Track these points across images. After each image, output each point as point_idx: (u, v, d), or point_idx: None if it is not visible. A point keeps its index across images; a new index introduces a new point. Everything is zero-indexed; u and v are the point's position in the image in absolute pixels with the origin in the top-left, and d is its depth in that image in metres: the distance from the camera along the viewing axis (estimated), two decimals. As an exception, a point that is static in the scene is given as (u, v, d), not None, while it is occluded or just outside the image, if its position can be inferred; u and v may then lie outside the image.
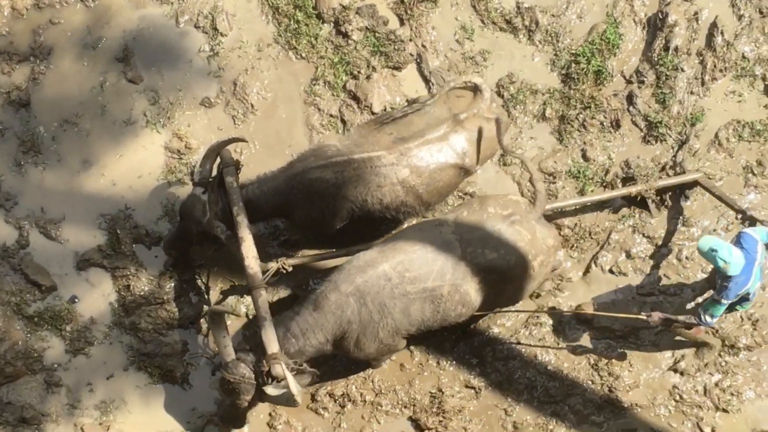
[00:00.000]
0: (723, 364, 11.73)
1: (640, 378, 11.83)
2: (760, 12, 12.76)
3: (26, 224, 12.35)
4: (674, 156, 12.29)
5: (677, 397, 11.73)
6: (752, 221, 11.26)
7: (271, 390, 10.53)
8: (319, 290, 10.96)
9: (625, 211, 12.36)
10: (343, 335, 10.88)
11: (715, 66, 12.61)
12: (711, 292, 11.35)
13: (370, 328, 10.85)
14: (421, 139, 11.24)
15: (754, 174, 12.35)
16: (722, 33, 12.65)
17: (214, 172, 11.67)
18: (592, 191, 12.38)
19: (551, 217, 12.08)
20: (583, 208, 12.38)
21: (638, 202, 12.18)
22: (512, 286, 11.12)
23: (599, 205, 12.33)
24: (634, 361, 11.85)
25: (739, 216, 11.56)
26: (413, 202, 11.45)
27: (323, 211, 11.47)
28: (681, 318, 11.06)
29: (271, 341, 10.60)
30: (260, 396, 10.81)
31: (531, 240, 10.89)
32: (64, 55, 12.96)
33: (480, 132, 11.45)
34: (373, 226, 11.92)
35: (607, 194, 12.17)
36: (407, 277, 10.71)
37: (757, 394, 11.74)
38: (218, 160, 11.71)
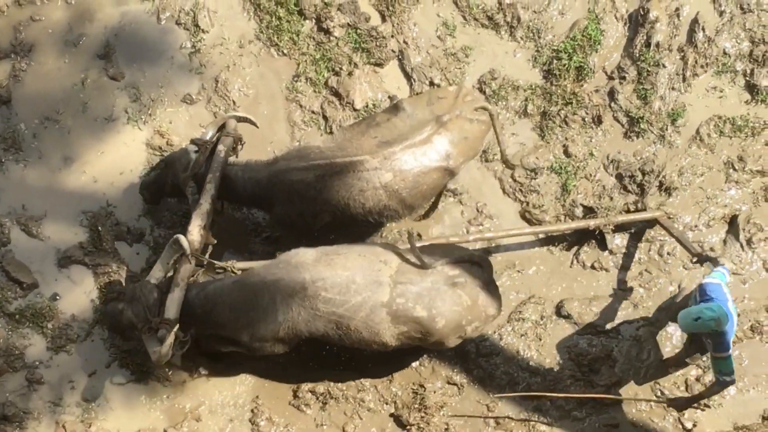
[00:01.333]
0: (704, 359, 11.81)
1: (622, 373, 11.92)
2: (741, 8, 12.86)
3: (7, 221, 12.40)
4: (637, 201, 12.35)
5: (658, 393, 11.81)
6: (713, 262, 11.18)
7: (145, 339, 10.80)
8: (246, 271, 11.15)
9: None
10: (247, 316, 11.01)
11: (696, 62, 12.73)
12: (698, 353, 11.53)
13: (270, 320, 10.93)
14: (405, 142, 11.26)
15: (735, 169, 12.46)
16: (703, 29, 12.76)
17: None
18: (574, 185, 12.50)
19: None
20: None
21: (594, 236, 12.22)
22: (436, 343, 11.06)
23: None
24: (617, 356, 11.95)
25: (695, 259, 11.53)
26: (396, 206, 11.49)
27: (303, 213, 11.55)
28: (704, 393, 11.14)
29: (171, 308, 10.81)
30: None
31: (470, 306, 10.83)
32: (45, 52, 13.02)
33: (462, 133, 11.53)
34: (355, 227, 12.00)
35: (565, 225, 12.18)
36: (322, 296, 10.75)
37: (739, 389, 11.83)
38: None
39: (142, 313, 10.90)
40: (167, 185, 11.92)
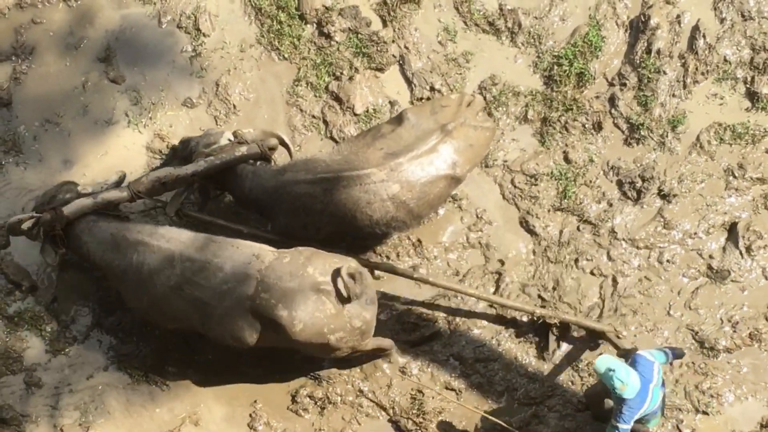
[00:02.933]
0: (702, 366, 11.99)
1: (621, 380, 12.07)
2: (742, 15, 13.05)
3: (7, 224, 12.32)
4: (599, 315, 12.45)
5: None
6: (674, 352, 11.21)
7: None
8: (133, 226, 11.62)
9: (604, 215, 12.60)
10: (116, 266, 11.47)
11: (696, 69, 12.90)
12: None
13: (134, 284, 11.38)
14: (411, 153, 11.43)
15: (734, 177, 12.62)
16: (704, 36, 12.93)
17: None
18: (574, 191, 12.64)
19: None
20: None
21: (538, 326, 12.22)
22: (299, 346, 11.20)
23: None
24: (615, 362, 12.10)
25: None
26: (404, 217, 11.64)
27: (306, 225, 11.73)
28: None
29: (72, 206, 11.59)
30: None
31: (334, 315, 10.87)
32: (46, 55, 13.18)
33: (468, 140, 11.68)
34: (360, 239, 12.20)
35: (513, 304, 12.16)
36: (187, 277, 11.02)
37: (737, 396, 11.97)
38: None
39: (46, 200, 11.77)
40: (182, 152, 12.26)
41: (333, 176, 11.41)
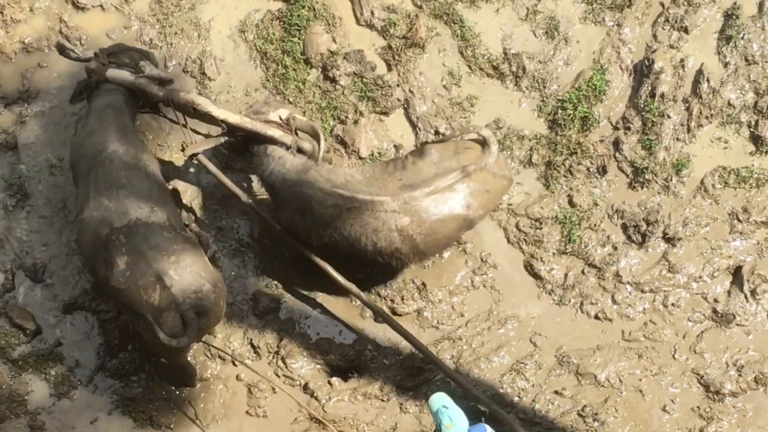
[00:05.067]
0: (708, 410, 12.20)
1: (627, 424, 12.21)
2: (746, 59, 13.33)
3: (12, 268, 12.75)
4: None
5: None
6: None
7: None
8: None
9: (608, 258, 12.85)
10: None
11: (701, 113, 13.18)
12: None
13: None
14: (428, 188, 11.66)
15: (739, 220, 12.88)
16: (708, 80, 13.22)
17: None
18: (578, 235, 12.90)
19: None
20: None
21: None
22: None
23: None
24: (620, 407, 12.26)
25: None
26: (408, 251, 11.87)
27: (309, 230, 12.04)
28: None
29: (116, 73, 12.37)
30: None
31: None
32: (52, 99, 13.44)
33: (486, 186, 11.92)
34: (362, 262, 12.41)
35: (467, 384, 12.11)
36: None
37: (743, 441, 12.21)
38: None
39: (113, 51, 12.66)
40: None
41: (348, 195, 11.71)
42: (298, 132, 12.48)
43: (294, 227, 12.17)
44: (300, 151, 12.40)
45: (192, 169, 13.22)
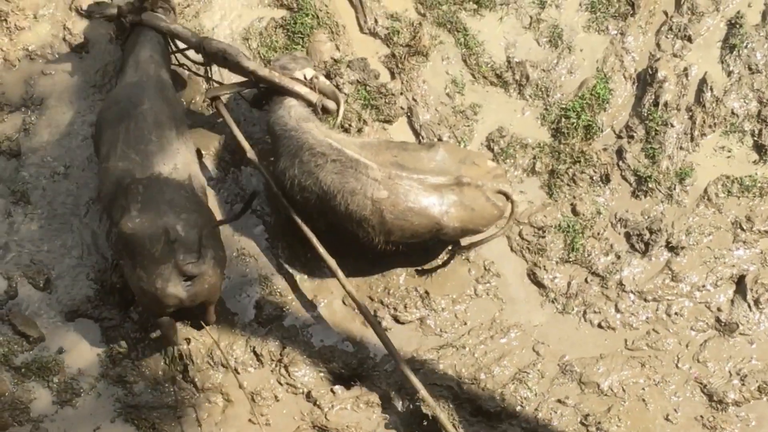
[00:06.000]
0: (711, 419, 12.32)
1: (630, 433, 12.38)
2: (749, 68, 13.47)
3: (15, 275, 12.79)
4: None
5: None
6: None
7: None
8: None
9: (612, 267, 12.96)
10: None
11: (704, 121, 13.30)
12: None
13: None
14: (417, 175, 11.86)
15: (742, 229, 12.99)
16: (711, 89, 13.34)
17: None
18: (581, 243, 13.01)
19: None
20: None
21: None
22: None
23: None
24: (623, 416, 12.36)
25: None
26: (374, 223, 12.03)
27: (293, 177, 12.28)
28: None
29: (150, 17, 12.71)
30: None
31: None
32: (55, 106, 13.49)
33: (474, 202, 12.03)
34: (331, 230, 12.57)
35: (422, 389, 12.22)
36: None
37: (745, 451, 12.28)
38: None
39: None
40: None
41: (337, 147, 12.02)
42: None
43: (284, 178, 12.39)
44: (324, 110, 12.74)
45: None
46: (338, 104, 12.79)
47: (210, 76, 13.38)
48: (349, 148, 12.05)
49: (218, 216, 12.59)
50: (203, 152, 13.27)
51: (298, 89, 12.60)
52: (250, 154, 12.79)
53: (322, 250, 12.41)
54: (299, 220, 12.50)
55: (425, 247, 12.82)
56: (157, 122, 12.11)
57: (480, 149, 13.38)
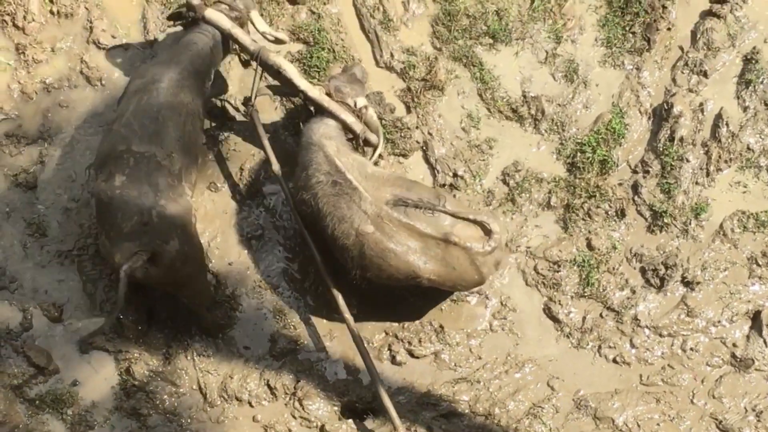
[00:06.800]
0: (727, 456, 12.38)
1: (645, 469, 12.40)
2: (765, 104, 13.58)
3: (30, 307, 12.86)
4: None
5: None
6: None
7: None
8: None
9: (627, 302, 13.02)
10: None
11: (719, 157, 13.39)
12: None
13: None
14: (407, 221, 11.83)
15: (758, 265, 13.06)
16: (727, 124, 13.44)
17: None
18: (596, 278, 13.08)
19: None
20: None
21: None
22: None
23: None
24: (639, 452, 12.44)
25: None
26: (354, 255, 12.05)
27: (300, 189, 12.45)
28: None
29: (214, 15, 12.88)
30: None
31: None
32: (72, 139, 13.61)
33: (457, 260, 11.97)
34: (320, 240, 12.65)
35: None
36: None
37: (765, 488, 12.34)
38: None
39: None
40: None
41: (342, 169, 12.11)
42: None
43: (294, 189, 12.58)
44: (366, 143, 12.98)
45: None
46: (378, 140, 13.02)
47: (261, 82, 13.40)
48: (353, 174, 12.11)
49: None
50: (218, 184, 13.41)
51: (344, 117, 12.76)
52: (275, 167, 12.94)
53: (325, 274, 12.56)
54: (310, 241, 12.63)
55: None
56: (169, 104, 12.26)
57: (495, 183, 13.52)
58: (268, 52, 13.00)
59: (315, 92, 12.84)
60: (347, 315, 12.43)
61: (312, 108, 13.03)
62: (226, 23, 12.99)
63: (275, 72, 12.99)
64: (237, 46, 13.30)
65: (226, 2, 13.13)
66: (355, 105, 12.87)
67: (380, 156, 13.30)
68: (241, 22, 13.18)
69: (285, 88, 13.16)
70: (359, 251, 12.00)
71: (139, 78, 12.62)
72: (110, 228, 11.68)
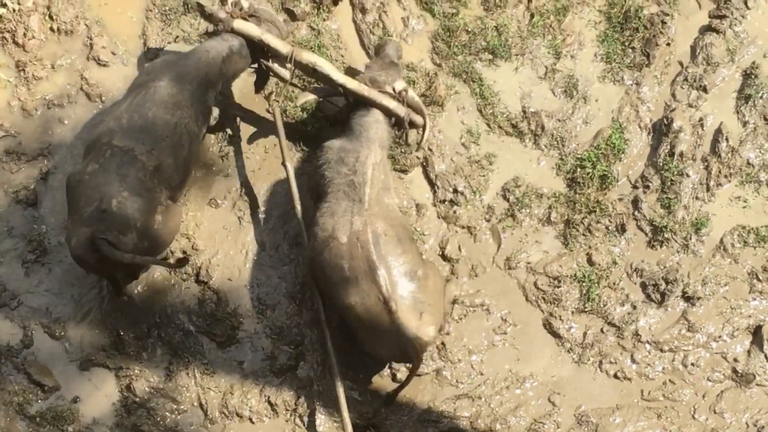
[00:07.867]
0: (736, 486, 12.48)
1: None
2: (765, 119, 13.70)
3: (31, 324, 12.94)
4: None
5: None
6: None
7: None
8: None
9: (628, 317, 13.09)
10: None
11: (720, 172, 13.49)
12: None
13: None
14: (373, 260, 11.56)
15: (759, 280, 13.15)
16: (727, 139, 13.55)
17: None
18: (597, 293, 13.15)
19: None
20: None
21: None
22: None
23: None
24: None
25: None
26: (316, 246, 12.12)
27: (311, 185, 12.82)
28: None
29: (243, 25, 12.87)
30: None
31: None
32: (73, 158, 13.63)
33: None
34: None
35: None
36: None
37: (771, 504, 12.44)
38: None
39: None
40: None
41: (365, 184, 12.12)
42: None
43: (320, 156, 12.68)
44: (411, 124, 13.00)
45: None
46: (425, 119, 13.04)
47: (293, 82, 13.53)
48: (371, 190, 12.11)
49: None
50: (219, 200, 13.53)
51: (386, 103, 12.80)
52: (289, 166, 13.03)
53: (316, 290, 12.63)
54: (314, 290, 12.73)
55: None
56: (163, 104, 12.35)
57: (495, 199, 13.62)
58: (301, 51, 13.10)
59: (354, 84, 12.86)
60: (324, 327, 12.55)
61: (351, 100, 13.08)
62: (256, 31, 12.99)
63: (311, 70, 13.05)
64: (270, 55, 13.24)
65: (256, 15, 13.23)
66: (395, 90, 12.92)
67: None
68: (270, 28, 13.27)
69: (323, 86, 13.24)
70: (322, 248, 12.02)
71: (144, 74, 12.80)
72: (73, 212, 11.92)
